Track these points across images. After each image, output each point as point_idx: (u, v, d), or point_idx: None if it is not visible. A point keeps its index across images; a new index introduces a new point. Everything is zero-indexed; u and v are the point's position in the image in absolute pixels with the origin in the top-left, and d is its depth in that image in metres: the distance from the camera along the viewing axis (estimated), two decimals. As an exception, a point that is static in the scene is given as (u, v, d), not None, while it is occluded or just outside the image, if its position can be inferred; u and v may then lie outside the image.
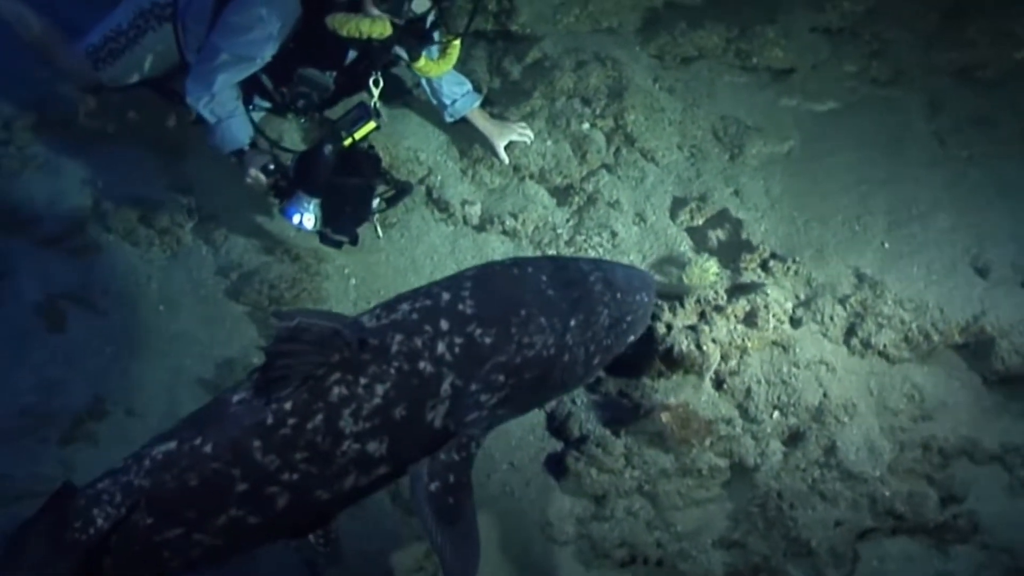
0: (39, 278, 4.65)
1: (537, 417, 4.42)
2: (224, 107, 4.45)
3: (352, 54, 4.60)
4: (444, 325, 2.93)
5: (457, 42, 4.69)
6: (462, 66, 5.30)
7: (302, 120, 5.07)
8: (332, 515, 3.06)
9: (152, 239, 4.90)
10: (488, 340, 2.94)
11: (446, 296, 3.01)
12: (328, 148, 4.44)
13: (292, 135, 5.18)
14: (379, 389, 2.82)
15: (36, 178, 5.01)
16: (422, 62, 4.66)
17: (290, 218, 4.49)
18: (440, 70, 4.77)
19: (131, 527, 2.72)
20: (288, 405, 2.78)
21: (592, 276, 3.24)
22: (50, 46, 5.00)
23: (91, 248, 4.83)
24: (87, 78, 4.95)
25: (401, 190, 4.70)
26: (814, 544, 4.01)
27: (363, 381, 2.82)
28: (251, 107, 4.68)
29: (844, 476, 4.14)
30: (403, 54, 4.62)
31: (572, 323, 3.10)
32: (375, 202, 4.63)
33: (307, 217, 4.48)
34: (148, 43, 4.78)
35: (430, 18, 4.55)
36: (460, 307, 2.98)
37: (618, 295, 3.25)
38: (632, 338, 3.40)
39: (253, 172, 4.47)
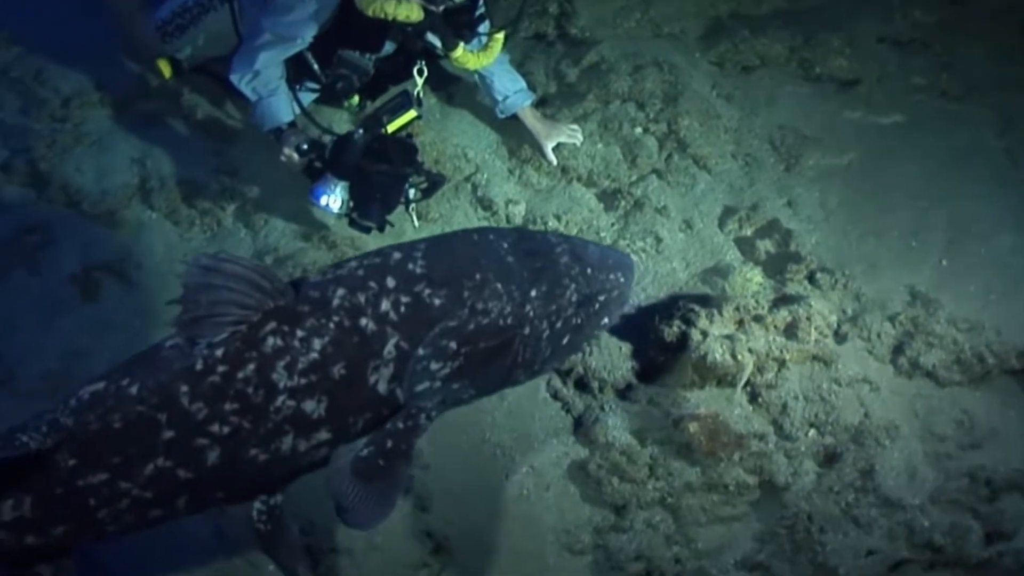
0: (79, 249, 4.70)
1: (563, 422, 4.28)
2: (266, 85, 4.46)
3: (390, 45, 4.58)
4: (390, 283, 2.76)
5: (500, 36, 4.62)
6: (519, 68, 5.26)
7: (354, 106, 5.06)
8: (275, 485, 2.88)
9: (193, 219, 4.92)
10: (437, 302, 2.76)
11: (397, 255, 2.85)
12: (359, 133, 4.41)
13: (343, 121, 5.17)
14: (316, 343, 2.66)
15: (88, 154, 5.09)
16: (459, 52, 4.60)
17: (317, 199, 4.46)
18: (478, 63, 4.71)
19: (53, 466, 2.58)
20: (220, 352, 2.63)
21: (559, 248, 3.04)
22: (129, 15, 5.18)
23: (133, 224, 4.88)
24: (155, 50, 5.05)
25: (435, 182, 4.62)
26: (842, 572, 3.75)
27: (300, 333, 2.66)
28: (299, 88, 4.68)
29: (881, 502, 3.88)
30: (436, 42, 4.56)
31: (533, 294, 2.89)
32: (411, 192, 4.56)
33: (333, 199, 4.44)
34: (209, 22, 4.90)
35: (478, 10, 4.50)
36: (410, 266, 2.81)
37: (588, 271, 3.04)
38: (607, 320, 3.18)
39: (287, 151, 4.46)
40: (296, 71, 4.65)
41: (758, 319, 4.22)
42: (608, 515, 4.03)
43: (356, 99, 5.01)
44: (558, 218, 4.88)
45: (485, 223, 4.96)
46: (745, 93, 5.31)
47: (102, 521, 2.67)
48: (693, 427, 4.04)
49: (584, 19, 5.61)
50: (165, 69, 4.98)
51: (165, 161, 5.08)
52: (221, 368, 2.62)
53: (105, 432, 2.59)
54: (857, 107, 5.22)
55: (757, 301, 4.27)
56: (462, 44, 4.59)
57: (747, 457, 3.99)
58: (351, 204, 4.47)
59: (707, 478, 3.98)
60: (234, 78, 4.50)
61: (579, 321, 3.04)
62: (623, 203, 4.96)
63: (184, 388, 2.61)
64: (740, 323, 4.23)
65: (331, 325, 2.68)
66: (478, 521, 3.99)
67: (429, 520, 3.96)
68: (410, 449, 2.77)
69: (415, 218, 4.74)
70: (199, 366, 2.62)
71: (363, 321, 2.70)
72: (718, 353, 4.09)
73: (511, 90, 5.05)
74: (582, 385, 4.32)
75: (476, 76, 5.06)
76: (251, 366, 2.62)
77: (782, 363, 4.16)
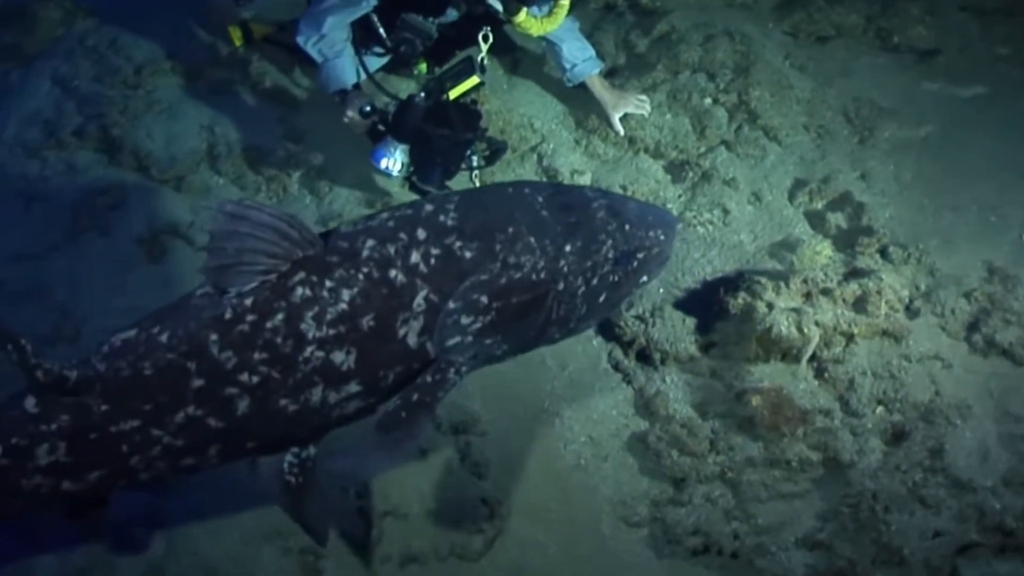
0: (147, 212, 4.76)
1: (624, 393, 4.23)
2: (331, 48, 4.47)
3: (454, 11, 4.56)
4: (421, 234, 2.72)
5: (565, 3, 4.55)
6: (587, 39, 5.18)
7: (423, 73, 5.04)
8: (307, 437, 2.87)
9: (259, 185, 4.96)
10: (468, 254, 2.71)
11: (429, 207, 2.81)
12: (419, 97, 4.39)
13: (411, 89, 5.12)
14: (345, 294, 2.63)
15: (158, 120, 5.15)
16: (521, 17, 4.56)
17: (377, 161, 4.46)
18: (541, 29, 4.65)
19: (85, 411, 2.60)
20: (249, 301, 2.62)
21: (596, 203, 2.95)
22: None
23: (200, 189, 4.93)
24: (230, 14, 5.11)
25: (497, 149, 4.58)
26: (907, 553, 3.64)
27: (328, 284, 2.64)
28: (365, 53, 4.67)
29: (950, 483, 3.76)
30: (497, 5, 4.52)
31: (567, 248, 2.82)
32: (474, 159, 4.53)
33: (392, 161, 4.43)
34: None
35: None
36: (442, 218, 2.76)
37: (626, 227, 2.95)
38: (645, 278, 3.09)
39: (350, 113, 4.46)
40: (363, 35, 4.64)
41: (826, 292, 4.10)
42: (666, 488, 3.97)
43: (424, 66, 4.99)
44: (624, 189, 4.80)
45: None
46: (819, 64, 5.17)
47: (135, 468, 2.70)
48: (756, 401, 3.95)
49: (655, -12, 5.52)
50: (236, 37, 5.03)
51: (233, 128, 5.12)
52: (250, 317, 2.61)
53: (136, 379, 2.60)
54: (937, 78, 5.06)
55: (826, 274, 4.16)
56: (525, 9, 4.54)
57: (811, 433, 3.90)
58: (411, 168, 4.46)
59: (769, 453, 3.90)
60: (300, 40, 4.52)
61: (616, 278, 2.96)
62: (691, 175, 4.87)
63: (213, 337, 2.61)
64: (807, 296, 4.12)
65: (360, 276, 2.66)
66: (534, 490, 3.96)
67: (484, 487, 3.93)
68: (434, 402, 2.71)
69: (478, 185, 4.71)
70: (228, 315, 2.61)
71: (392, 272, 2.67)
72: (783, 326, 4.00)
73: (579, 58, 4.98)
74: (644, 356, 4.27)
75: (544, 43, 5.00)
76: (280, 316, 2.61)
77: (850, 337, 4.04)
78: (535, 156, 5.02)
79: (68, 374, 2.56)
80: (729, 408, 4.02)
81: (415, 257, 2.68)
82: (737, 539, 3.81)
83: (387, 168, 4.46)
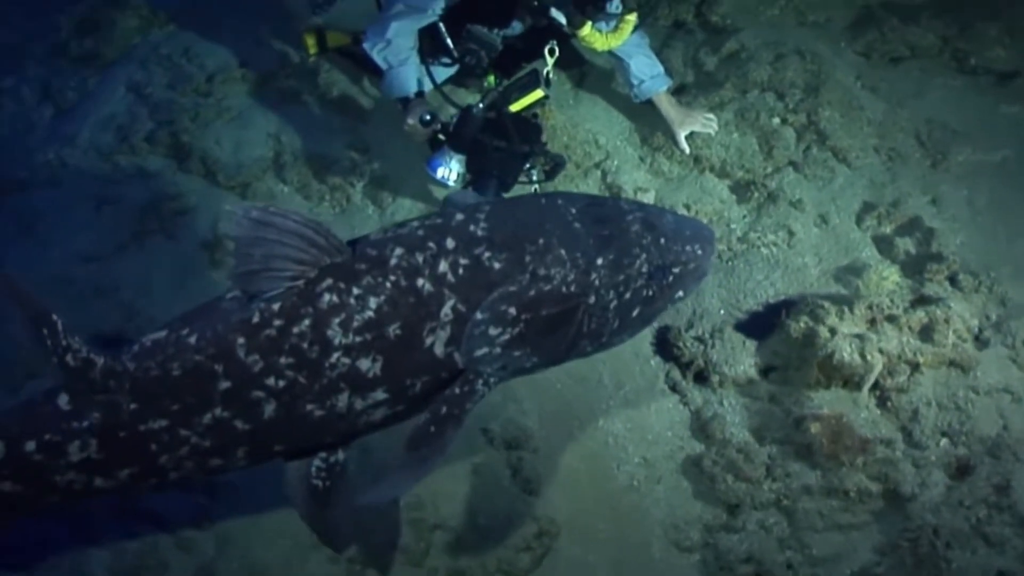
0: (212, 218, 4.83)
1: (680, 415, 4.17)
2: (396, 55, 4.49)
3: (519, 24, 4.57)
4: (450, 243, 2.68)
5: (631, 18, 4.51)
6: (657, 55, 5.14)
7: (492, 85, 5.04)
8: (334, 442, 2.87)
9: (323, 194, 5.01)
10: (497, 265, 2.68)
11: (460, 216, 2.77)
12: (478, 108, 4.40)
13: (478, 99, 5.16)
14: (372, 302, 2.62)
15: (227, 128, 5.23)
16: (585, 31, 4.53)
17: (433, 170, 4.47)
18: (606, 44, 4.62)
19: (115, 409, 2.63)
20: (276, 306, 2.62)
21: (630, 216, 2.89)
22: None
23: (265, 196, 4.99)
24: (306, 20, 5.17)
25: (556, 163, 4.56)
26: (968, 591, 3.54)
27: (356, 291, 2.62)
28: (432, 63, 4.70)
29: (1016, 521, 3.64)
30: (561, 19, 4.50)
31: (599, 262, 2.77)
32: (534, 173, 4.51)
33: (448, 171, 4.44)
34: None
35: None
36: (472, 228, 2.73)
37: (661, 240, 2.88)
38: (681, 293, 3.01)
39: (411, 120, 4.47)
40: (431, 45, 4.67)
41: (892, 319, 4.00)
42: (720, 513, 3.90)
43: (492, 78, 4.98)
44: (687, 207, 4.75)
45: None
46: (892, 85, 5.06)
47: (164, 467, 2.73)
48: (815, 428, 3.87)
49: (726, 6, 5.48)
50: (311, 45, 5.09)
51: (299, 137, 5.18)
52: (277, 322, 2.61)
53: (165, 379, 2.62)
54: (1015, 101, 4.93)
55: (892, 300, 4.06)
56: (589, 23, 4.51)
57: (871, 463, 3.81)
58: (468, 178, 4.46)
59: (827, 482, 3.81)
60: (367, 46, 4.55)
61: (650, 293, 2.90)
62: (756, 195, 4.80)
63: (240, 340, 2.61)
64: (872, 322, 4.02)
65: (387, 284, 2.64)
66: (585, 508, 3.91)
67: (535, 504, 3.90)
68: (462, 414, 2.70)
69: (539, 200, 4.69)
70: (256, 319, 2.62)
71: (420, 281, 2.65)
72: (846, 352, 3.91)
73: (647, 74, 4.94)
74: (702, 378, 4.21)
75: (612, 58, 4.97)
76: (306, 321, 2.61)
77: (915, 366, 3.94)
78: (599, 172, 4.99)
79: (96, 360, 2.59)
80: (787, 434, 3.94)
81: (443, 266, 2.66)
82: (791, 569, 3.73)
83: (443, 177, 4.46)
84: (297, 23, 5.29)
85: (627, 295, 2.84)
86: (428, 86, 4.59)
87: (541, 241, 2.73)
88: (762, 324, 4.28)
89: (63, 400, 2.64)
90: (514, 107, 4.47)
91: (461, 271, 2.66)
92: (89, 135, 5.29)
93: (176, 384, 2.62)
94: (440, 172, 4.45)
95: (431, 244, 2.69)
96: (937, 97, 5.00)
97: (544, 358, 2.86)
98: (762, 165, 4.90)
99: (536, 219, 2.78)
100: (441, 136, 4.46)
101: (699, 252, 2.98)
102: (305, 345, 2.61)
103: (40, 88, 5.76)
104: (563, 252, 2.73)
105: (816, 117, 4.91)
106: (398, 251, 2.69)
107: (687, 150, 4.95)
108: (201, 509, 3.73)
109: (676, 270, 2.93)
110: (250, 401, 2.64)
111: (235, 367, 2.61)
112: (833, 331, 3.98)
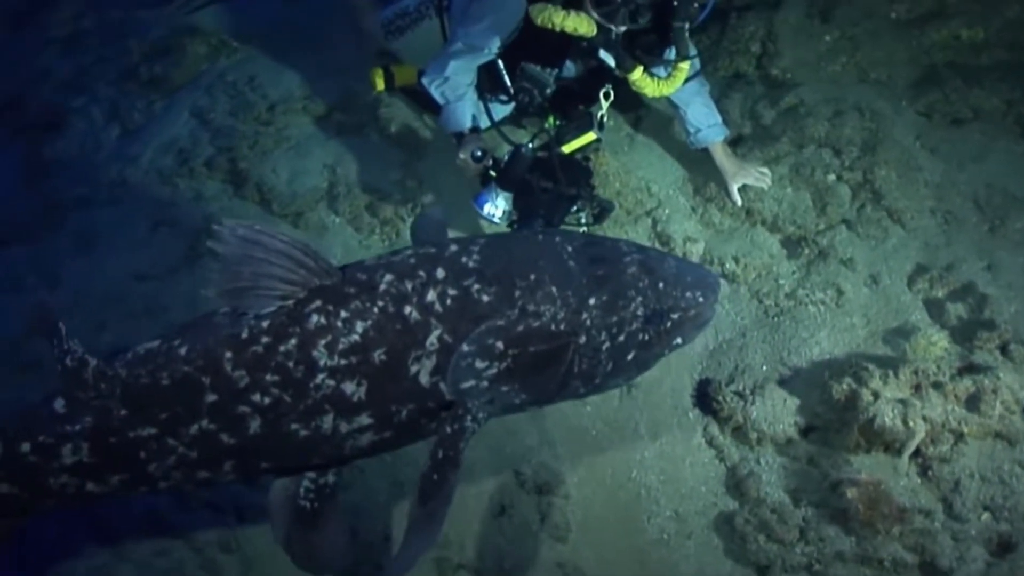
0: (262, 246, 4.90)
1: (716, 470, 4.10)
2: (454, 91, 4.54)
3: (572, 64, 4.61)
4: (440, 274, 2.70)
5: (684, 66, 4.50)
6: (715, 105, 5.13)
7: (552, 125, 5.07)
8: (320, 464, 2.87)
9: (374, 227, 5.05)
10: (486, 298, 2.68)
11: (453, 247, 2.78)
12: (527, 147, 4.42)
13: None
14: (359, 326, 2.63)
15: (285, 157, 5.32)
16: (636, 75, 4.52)
17: (480, 206, 4.49)
18: (657, 91, 4.59)
19: (106, 413, 2.68)
20: (265, 323, 2.65)
21: (628, 258, 2.86)
22: (360, 10, 5.49)
23: (316, 226, 5.05)
24: (379, 44, 5.31)
25: (603, 208, 4.56)
26: (1003, 674, 3.41)
27: (343, 314, 2.65)
28: (490, 99, 4.75)
29: (1058, 603, 3.51)
30: (610, 61, 4.51)
31: (592, 301, 2.74)
32: (582, 216, 4.51)
33: (494, 208, 4.45)
34: (423, 30, 5.09)
35: (672, 36, 4.41)
36: (464, 259, 2.73)
37: (660, 285, 2.84)
38: (679, 340, 2.96)
39: (463, 156, 4.51)
40: (490, 83, 4.72)
41: (937, 386, 3.90)
42: (749, 574, 3.81)
43: (552, 119, 5.00)
44: (736, 260, 4.70)
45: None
46: (952, 146, 4.96)
47: (153, 475, 2.76)
48: (852, 492, 3.77)
49: (787, 60, 5.43)
50: (379, 81, 5.16)
51: (354, 169, 5.24)
52: (265, 339, 2.64)
53: (154, 388, 2.66)
54: (1080, 169, 4.80)
55: (939, 367, 3.96)
56: (641, 68, 4.51)
57: (908, 533, 3.69)
58: (514, 216, 4.48)
59: (861, 550, 3.70)
60: (426, 81, 4.61)
61: (647, 337, 2.86)
62: (807, 251, 4.74)
63: (228, 354, 2.64)
64: (917, 388, 3.92)
65: (375, 309, 2.66)
66: (612, 559, 3.87)
67: (562, 551, 3.86)
68: (458, 456, 2.70)
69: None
70: (244, 334, 2.65)
71: (407, 309, 2.66)
72: (888, 417, 3.82)
73: (705, 124, 4.93)
74: (740, 434, 4.14)
75: (671, 105, 4.97)
76: (293, 341, 2.63)
77: (959, 436, 3.84)
78: (649, 220, 4.96)
79: (89, 360, 2.65)
80: (823, 497, 3.85)
81: (431, 296, 2.68)
82: (819, 637, 3.64)
83: (489, 214, 4.48)
84: (368, 48, 5.41)
85: (621, 337, 2.81)
86: (485, 123, 4.64)
87: (532, 277, 2.73)
88: (805, 383, 4.20)
89: (59, 403, 2.72)
90: (566, 149, 4.48)
91: (449, 301, 2.68)
92: (151, 157, 5.42)
93: (164, 393, 2.67)
94: (487, 208, 4.47)
95: (421, 273, 2.72)
96: (998, 161, 4.88)
97: (533, 396, 2.85)
98: (815, 221, 4.82)
99: (530, 255, 2.78)
100: (492, 172, 4.50)
101: (700, 299, 2.93)
102: (291, 364, 2.64)
103: (109, 109, 5.95)
104: (554, 289, 2.72)
105: (872, 176, 4.83)
106: (388, 277, 2.71)
107: (739, 202, 4.91)
108: (226, 529, 3.75)
109: (675, 316, 2.89)
110: (236, 416, 2.68)
111: (222, 381, 2.65)
112: (876, 395, 3.89)
